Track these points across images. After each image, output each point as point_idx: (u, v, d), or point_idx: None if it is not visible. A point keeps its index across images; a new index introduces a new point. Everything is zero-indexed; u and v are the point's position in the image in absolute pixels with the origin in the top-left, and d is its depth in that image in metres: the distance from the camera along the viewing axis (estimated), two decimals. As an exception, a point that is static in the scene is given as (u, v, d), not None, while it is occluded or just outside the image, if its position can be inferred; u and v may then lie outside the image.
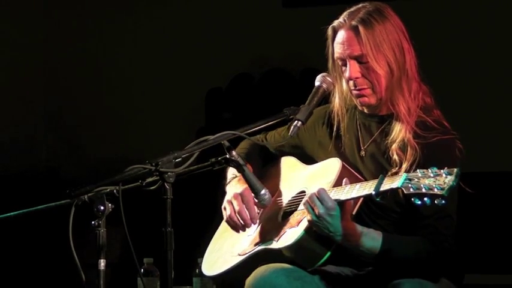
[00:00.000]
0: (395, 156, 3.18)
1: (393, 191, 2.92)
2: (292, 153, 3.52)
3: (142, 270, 3.76)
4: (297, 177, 3.43)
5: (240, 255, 3.35)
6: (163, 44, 6.86)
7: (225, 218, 3.42)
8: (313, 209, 3.07)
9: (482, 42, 6.06)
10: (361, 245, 3.10)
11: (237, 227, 3.39)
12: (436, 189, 2.79)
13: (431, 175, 2.84)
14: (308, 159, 3.45)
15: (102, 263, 2.90)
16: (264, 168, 3.58)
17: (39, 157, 7.06)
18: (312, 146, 3.46)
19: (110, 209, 2.91)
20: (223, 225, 3.59)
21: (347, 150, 3.34)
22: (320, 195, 3.07)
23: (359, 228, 3.11)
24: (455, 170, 2.83)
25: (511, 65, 6.00)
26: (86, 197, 2.90)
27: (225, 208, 3.42)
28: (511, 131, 5.95)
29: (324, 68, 3.36)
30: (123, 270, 4.10)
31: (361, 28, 3.19)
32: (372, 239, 3.11)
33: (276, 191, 3.45)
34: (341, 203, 3.07)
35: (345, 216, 3.07)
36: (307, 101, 3.28)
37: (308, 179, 3.37)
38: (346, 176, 3.19)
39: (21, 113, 6.93)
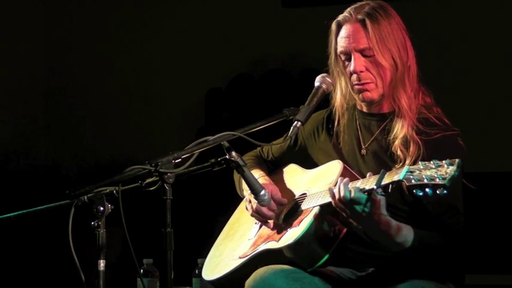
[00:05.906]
0: (399, 152, 3.18)
1: (397, 185, 2.91)
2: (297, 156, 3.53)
3: (142, 270, 3.76)
4: (298, 181, 3.43)
5: (240, 258, 3.35)
6: (163, 44, 6.86)
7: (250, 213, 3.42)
8: (357, 209, 3.00)
9: (482, 42, 6.06)
10: (395, 239, 3.05)
11: (261, 222, 3.39)
12: (438, 179, 2.77)
13: (433, 166, 2.82)
14: (312, 163, 3.46)
15: (101, 264, 2.90)
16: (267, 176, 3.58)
17: (39, 156, 7.06)
18: (312, 153, 3.46)
19: (110, 210, 2.91)
20: (225, 231, 3.60)
21: (346, 149, 3.34)
22: (356, 197, 2.99)
23: (393, 222, 3.06)
24: (457, 160, 2.82)
25: (511, 64, 6.00)
26: (85, 197, 2.90)
27: (246, 208, 3.42)
28: (511, 131, 5.95)
29: (323, 68, 3.36)
30: (123, 271, 4.11)
31: (367, 21, 3.22)
32: (404, 235, 3.06)
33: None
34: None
35: (379, 211, 3.01)
36: (307, 102, 3.28)
37: (309, 181, 3.37)
38: (347, 177, 3.17)
39: (21, 113, 6.93)
